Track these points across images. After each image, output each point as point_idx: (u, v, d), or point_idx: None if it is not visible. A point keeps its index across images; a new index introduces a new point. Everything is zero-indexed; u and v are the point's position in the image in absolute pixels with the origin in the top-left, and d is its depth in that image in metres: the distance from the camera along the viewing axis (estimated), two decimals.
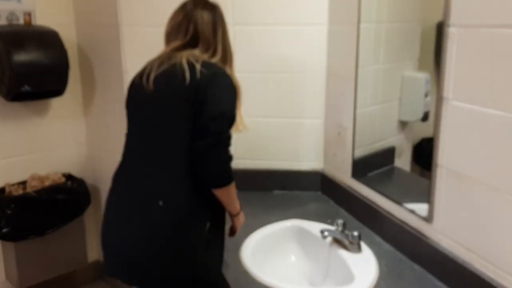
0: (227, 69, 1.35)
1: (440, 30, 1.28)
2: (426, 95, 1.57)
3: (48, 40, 2.16)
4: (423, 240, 1.39)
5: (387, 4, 1.69)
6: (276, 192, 2.04)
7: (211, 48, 1.36)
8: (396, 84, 1.70)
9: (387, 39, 1.72)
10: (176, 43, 1.37)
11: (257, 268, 1.42)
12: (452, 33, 1.23)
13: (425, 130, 1.55)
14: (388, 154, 1.77)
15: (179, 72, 1.26)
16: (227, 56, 1.39)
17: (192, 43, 1.35)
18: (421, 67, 1.61)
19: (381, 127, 1.81)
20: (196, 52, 1.33)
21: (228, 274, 1.40)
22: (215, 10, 1.41)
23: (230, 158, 1.25)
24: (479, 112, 1.16)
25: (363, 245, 1.51)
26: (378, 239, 1.60)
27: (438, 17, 1.30)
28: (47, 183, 2.28)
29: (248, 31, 1.96)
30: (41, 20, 2.28)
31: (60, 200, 2.24)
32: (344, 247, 1.50)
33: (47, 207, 2.21)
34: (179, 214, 1.25)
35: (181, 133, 1.24)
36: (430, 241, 1.36)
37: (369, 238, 1.59)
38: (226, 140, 1.24)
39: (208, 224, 1.27)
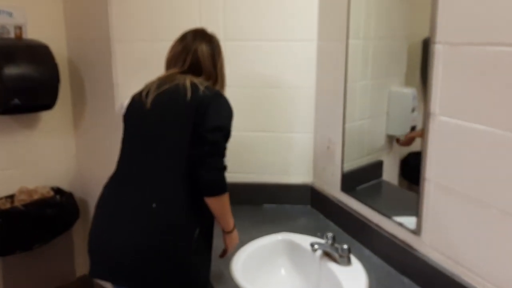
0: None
1: (426, 47, 1.31)
2: (413, 110, 1.60)
3: (39, 54, 2.17)
4: (412, 253, 1.40)
5: (374, 21, 1.72)
6: (266, 206, 2.05)
7: (212, 78, 1.48)
8: (383, 99, 1.72)
9: (374, 55, 1.75)
10: (174, 70, 1.47)
11: (248, 282, 1.42)
12: (438, 50, 1.26)
13: (412, 145, 1.58)
14: (376, 168, 1.79)
15: (182, 90, 1.35)
16: (223, 83, 1.53)
17: (190, 71, 1.45)
18: (407, 82, 1.64)
19: (369, 141, 1.83)
20: (199, 78, 1.43)
21: (219, 285, 1.39)
22: (213, 42, 1.51)
23: (224, 167, 1.31)
24: (465, 127, 1.19)
25: (352, 258, 1.51)
26: (367, 252, 1.61)
27: (424, 34, 1.33)
28: (35, 196, 2.27)
29: (238, 46, 1.99)
30: (32, 34, 2.28)
31: (48, 214, 2.22)
32: (334, 260, 1.51)
33: (35, 221, 2.18)
34: (171, 218, 1.29)
35: (180, 144, 1.31)
36: (419, 254, 1.38)
37: (358, 251, 1.60)
38: (221, 150, 1.31)
39: (197, 230, 1.31)
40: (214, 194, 1.30)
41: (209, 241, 1.41)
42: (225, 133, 1.33)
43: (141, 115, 1.41)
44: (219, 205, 1.33)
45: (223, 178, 1.31)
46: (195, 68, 1.46)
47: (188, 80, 1.38)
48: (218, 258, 1.47)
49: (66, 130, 2.49)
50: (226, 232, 1.42)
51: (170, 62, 1.52)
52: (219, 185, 1.31)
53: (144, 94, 1.42)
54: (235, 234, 1.45)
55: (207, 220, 1.38)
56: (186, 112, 1.33)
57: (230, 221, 1.41)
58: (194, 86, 1.36)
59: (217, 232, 1.42)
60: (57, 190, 2.39)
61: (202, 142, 1.29)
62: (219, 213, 1.35)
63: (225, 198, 1.33)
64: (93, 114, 2.38)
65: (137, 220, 1.29)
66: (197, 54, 1.46)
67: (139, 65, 2.08)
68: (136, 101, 1.45)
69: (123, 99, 2.09)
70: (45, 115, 2.38)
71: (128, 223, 1.30)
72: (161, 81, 1.44)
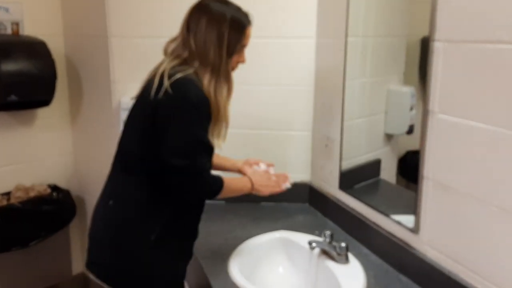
0: (205, 78, 1.25)
1: (425, 45, 1.30)
2: (411, 109, 1.60)
3: (36, 50, 2.16)
4: (410, 251, 1.40)
5: (373, 19, 1.72)
6: (264, 203, 2.04)
7: (196, 60, 1.27)
8: (382, 97, 1.72)
9: (373, 53, 1.75)
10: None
11: (245, 280, 1.42)
12: (438, 48, 1.26)
13: (410, 143, 1.57)
14: (374, 167, 1.79)
15: (150, 83, 1.24)
16: (206, 59, 1.26)
17: (178, 55, 1.31)
18: (406, 81, 1.64)
19: (368, 139, 1.83)
20: (178, 62, 1.28)
21: (216, 285, 1.39)
22: (207, 9, 1.30)
23: (207, 184, 1.26)
24: (464, 125, 1.18)
25: (350, 256, 1.51)
26: (365, 250, 1.61)
27: (422, 32, 1.33)
28: (32, 194, 2.26)
29: None
30: (29, 30, 2.27)
31: (45, 212, 2.21)
32: (332, 258, 1.50)
33: (31, 219, 2.18)
34: (124, 216, 1.29)
35: (141, 143, 1.26)
36: (417, 252, 1.38)
37: (356, 249, 1.60)
38: (196, 173, 1.22)
39: (153, 236, 1.26)
40: (208, 199, 1.35)
41: (178, 245, 1.35)
42: (193, 150, 1.20)
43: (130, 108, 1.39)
44: (222, 197, 1.32)
45: (211, 192, 1.28)
46: (183, 43, 1.30)
47: (160, 69, 1.24)
48: (214, 255, 1.47)
49: (63, 127, 2.48)
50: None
51: None
52: (209, 196, 1.31)
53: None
54: (259, 183, 1.42)
55: (174, 222, 1.31)
56: (145, 114, 1.23)
57: (243, 191, 1.40)
58: (160, 82, 1.21)
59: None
60: (54, 187, 2.38)
61: (171, 170, 1.19)
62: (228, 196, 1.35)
63: (221, 193, 1.30)
64: (91, 111, 2.37)
65: (101, 217, 1.34)
66: (188, 24, 1.29)
67: (136, 62, 2.07)
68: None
69: (121, 96, 2.09)
70: (42, 112, 2.37)
71: (97, 220, 1.36)
72: (150, 73, 1.35)
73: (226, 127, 1.33)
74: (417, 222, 1.39)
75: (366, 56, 1.76)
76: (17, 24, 2.24)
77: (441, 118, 1.26)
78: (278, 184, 1.49)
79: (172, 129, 1.20)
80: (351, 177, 1.82)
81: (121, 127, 2.01)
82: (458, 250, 1.24)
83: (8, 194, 2.27)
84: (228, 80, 1.31)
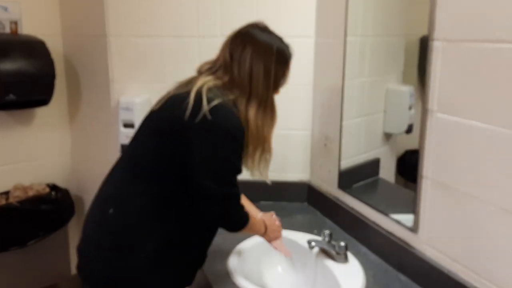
0: (241, 106, 1.23)
1: (424, 44, 1.31)
2: (410, 108, 1.60)
3: (35, 49, 2.15)
4: (409, 250, 1.40)
5: (372, 19, 1.72)
6: (263, 203, 2.04)
7: (240, 88, 1.23)
8: (381, 97, 1.72)
9: (372, 53, 1.75)
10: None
11: (245, 279, 1.42)
12: (437, 47, 1.26)
13: (409, 143, 1.58)
14: (373, 166, 1.79)
15: (183, 102, 1.17)
16: (262, 102, 1.25)
17: (216, 73, 1.27)
18: (405, 80, 1.64)
19: (367, 139, 1.83)
20: (210, 78, 1.24)
21: (216, 285, 1.39)
22: (261, 41, 1.27)
23: (237, 215, 1.27)
24: (463, 124, 1.18)
25: (349, 255, 1.51)
26: (364, 249, 1.61)
27: (421, 32, 1.33)
28: (30, 193, 2.25)
29: None
30: (28, 29, 2.26)
31: (44, 211, 2.21)
32: (331, 257, 1.51)
33: (30, 218, 2.17)
34: (125, 225, 1.22)
35: (160, 158, 1.21)
36: (416, 252, 1.38)
37: (355, 249, 1.60)
38: (232, 201, 1.23)
39: (152, 252, 1.20)
40: (232, 230, 1.32)
41: (179, 267, 1.28)
42: (226, 176, 1.20)
43: (148, 115, 1.32)
44: (243, 231, 1.33)
45: (237, 223, 1.28)
46: (224, 68, 1.25)
47: (195, 87, 1.18)
48: (213, 254, 1.46)
49: (61, 126, 2.48)
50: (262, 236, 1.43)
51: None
52: (237, 228, 1.30)
53: (163, 95, 1.32)
54: (270, 230, 1.42)
55: (180, 240, 1.25)
56: (167, 128, 1.20)
57: (258, 232, 1.40)
58: (197, 97, 1.15)
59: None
60: (53, 187, 2.38)
61: (206, 195, 1.18)
62: (246, 232, 1.37)
63: (245, 228, 1.31)
64: (89, 110, 2.37)
65: (98, 222, 1.27)
66: (231, 51, 1.24)
67: (135, 61, 2.07)
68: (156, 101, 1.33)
69: (119, 95, 2.08)
70: (40, 111, 2.37)
71: (92, 223, 1.29)
72: (181, 84, 1.30)
73: (271, 157, 1.34)
74: (416, 221, 1.39)
75: (365, 55, 1.76)
76: (15, 23, 2.24)
77: (440, 117, 1.26)
78: (279, 230, 1.50)
79: (212, 156, 1.17)
80: (350, 176, 1.82)
81: (120, 126, 2.04)
82: (457, 249, 1.24)
83: (6, 193, 2.27)
84: (274, 112, 1.31)
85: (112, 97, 2.11)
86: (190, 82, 1.26)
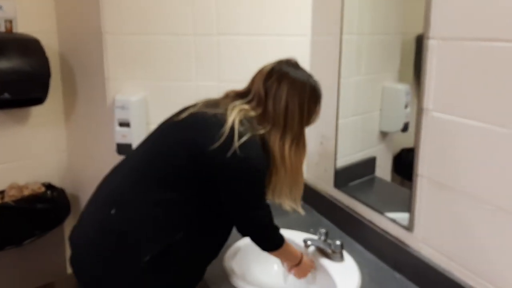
0: (275, 140, 1.26)
1: (420, 43, 1.31)
2: (406, 106, 1.60)
3: (30, 47, 2.14)
4: (404, 249, 1.40)
5: (368, 17, 1.72)
6: None
7: (269, 119, 1.26)
8: (377, 95, 1.72)
9: (368, 51, 1.75)
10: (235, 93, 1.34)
11: (240, 278, 1.42)
12: (432, 45, 1.26)
13: (405, 141, 1.58)
14: (369, 164, 1.80)
15: (212, 128, 1.18)
16: (288, 134, 1.27)
17: (247, 99, 1.30)
18: (401, 78, 1.64)
19: (363, 137, 1.83)
20: (247, 108, 1.25)
21: (212, 283, 1.39)
22: (299, 81, 1.31)
23: (272, 232, 1.32)
24: (458, 122, 1.19)
25: (345, 254, 1.52)
26: (360, 248, 1.61)
27: (417, 30, 1.33)
28: (26, 192, 2.24)
29: (232, 41, 1.98)
30: (23, 27, 2.25)
31: (39, 210, 2.20)
32: (327, 256, 1.51)
33: (25, 217, 2.17)
34: (128, 229, 1.19)
35: (180, 170, 1.20)
36: (411, 250, 1.38)
37: (351, 247, 1.60)
38: (261, 219, 1.27)
39: (149, 253, 1.17)
40: (265, 248, 1.35)
41: (175, 279, 1.24)
42: (255, 200, 1.24)
43: (168, 123, 1.31)
44: (276, 254, 1.37)
45: (274, 239, 1.33)
46: (257, 101, 1.28)
47: (231, 117, 1.18)
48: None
49: (57, 125, 2.47)
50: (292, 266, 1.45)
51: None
52: (272, 247, 1.34)
53: (189, 106, 1.31)
54: (303, 267, 1.44)
55: (181, 248, 1.22)
56: (196, 156, 1.18)
57: (292, 261, 1.42)
58: (230, 135, 1.15)
59: None
60: (48, 186, 2.37)
61: (238, 219, 1.26)
62: (278, 257, 1.40)
63: (278, 251, 1.35)
64: (85, 109, 2.36)
65: (98, 220, 1.24)
66: (266, 87, 1.27)
67: (131, 59, 2.06)
68: (176, 112, 1.33)
69: (115, 93, 2.08)
70: (35, 110, 2.36)
71: (89, 221, 1.28)
72: (209, 103, 1.29)
73: (302, 189, 1.40)
74: (411, 220, 1.39)
75: (361, 53, 1.76)
76: (10, 21, 2.23)
77: (435, 116, 1.27)
78: (308, 272, 1.50)
79: (241, 189, 1.22)
80: (346, 175, 1.83)
81: (115, 125, 2.03)
82: (452, 247, 1.24)
83: (2, 192, 2.26)
84: (305, 147, 1.35)
85: (108, 96, 2.11)
86: (219, 104, 1.27)
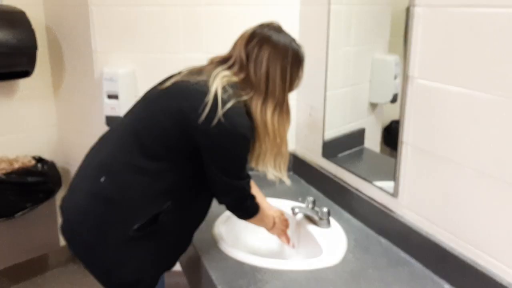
0: (257, 106, 1.24)
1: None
2: (395, 77, 1.60)
3: (15, 20, 2.11)
4: (389, 214, 1.43)
5: None
6: (250, 173, 2.06)
7: (251, 84, 1.24)
8: (366, 66, 1.72)
9: (358, 22, 1.74)
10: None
11: (229, 244, 1.44)
12: (418, 13, 1.26)
13: (394, 113, 1.59)
14: (358, 136, 1.81)
15: (199, 98, 1.16)
16: (267, 92, 1.25)
17: (228, 64, 1.27)
18: (391, 50, 1.64)
19: (352, 109, 1.84)
20: (229, 74, 1.23)
21: (202, 249, 1.42)
22: (281, 44, 1.27)
23: (249, 202, 1.32)
24: (443, 89, 1.20)
25: (332, 220, 1.55)
26: (347, 215, 1.64)
27: (408, 1, 1.33)
28: (16, 165, 2.24)
29: (219, 11, 1.96)
30: (8, 0, 2.22)
31: (30, 183, 2.21)
32: (314, 223, 1.54)
33: (16, 190, 2.17)
34: (116, 196, 1.21)
35: (167, 138, 1.20)
36: (396, 216, 1.41)
37: (338, 215, 1.63)
38: (239, 190, 1.28)
39: (137, 221, 1.19)
40: (241, 216, 1.37)
41: (159, 246, 1.26)
42: (238, 168, 1.25)
43: (153, 91, 1.29)
44: (250, 222, 1.40)
45: (250, 212, 1.35)
46: (240, 66, 1.25)
47: (213, 86, 1.17)
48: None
49: (46, 98, 2.45)
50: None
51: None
52: (249, 215, 1.36)
53: (173, 74, 1.30)
54: (277, 227, 1.47)
55: (167, 218, 1.23)
56: (177, 118, 1.18)
57: (266, 225, 1.45)
58: (214, 100, 1.15)
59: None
60: (39, 159, 2.37)
61: (213, 186, 1.26)
62: (253, 223, 1.42)
63: (252, 220, 1.37)
64: (73, 81, 2.35)
65: (89, 187, 1.25)
66: (248, 51, 1.24)
67: (119, 31, 2.04)
68: (164, 78, 1.32)
69: (103, 66, 2.06)
70: (24, 83, 2.34)
71: (84, 188, 1.27)
72: (192, 71, 1.28)
73: (287, 159, 1.38)
74: (396, 187, 1.42)
75: (350, 24, 1.75)
76: None
77: (420, 83, 1.28)
78: (285, 229, 1.53)
79: (224, 156, 1.21)
80: (335, 146, 1.84)
81: (104, 97, 2.03)
82: (435, 212, 1.27)
83: None
84: (289, 113, 1.32)
85: (96, 68, 2.09)
86: (202, 71, 1.25)
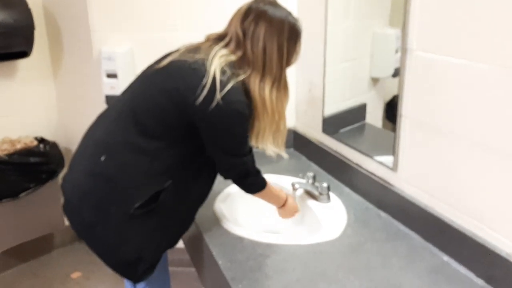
0: (255, 84, 1.23)
1: None
2: (396, 51, 1.58)
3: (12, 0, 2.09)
4: (389, 188, 1.44)
5: None
6: None
7: (249, 62, 1.22)
8: (367, 41, 1.70)
9: None
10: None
11: (230, 220, 1.46)
12: None
13: (396, 87, 1.57)
14: (359, 111, 1.80)
15: (197, 78, 1.15)
16: (265, 69, 1.23)
17: (225, 41, 1.25)
18: (392, 23, 1.62)
19: (353, 84, 1.82)
20: (226, 53, 1.22)
21: (203, 226, 1.43)
22: (276, 18, 1.24)
23: (255, 175, 1.33)
24: (441, 60, 1.18)
25: (332, 195, 1.55)
26: (347, 190, 1.65)
27: None
28: (18, 146, 2.25)
29: None
30: None
31: (33, 163, 2.22)
32: (314, 198, 1.54)
33: (19, 170, 2.19)
34: (116, 175, 1.21)
35: (165, 117, 1.20)
36: (395, 189, 1.41)
37: (338, 190, 1.64)
38: (244, 164, 1.28)
39: (137, 204, 1.19)
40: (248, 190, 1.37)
41: (161, 224, 1.26)
42: (240, 146, 1.24)
43: (150, 70, 1.28)
44: (259, 196, 1.39)
45: (258, 183, 1.35)
46: (236, 43, 1.23)
47: (212, 67, 1.15)
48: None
49: (45, 78, 2.44)
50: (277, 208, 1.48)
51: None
52: (253, 190, 1.36)
53: (171, 52, 1.29)
54: (288, 208, 1.47)
55: (168, 197, 1.24)
56: (175, 100, 1.17)
57: (276, 202, 1.45)
58: (213, 83, 1.13)
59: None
60: (41, 140, 2.38)
61: (217, 164, 1.28)
62: (263, 199, 1.42)
63: (262, 193, 1.37)
64: (72, 62, 2.34)
65: (88, 166, 1.26)
66: (244, 28, 1.22)
67: (117, 10, 2.02)
68: (157, 60, 1.31)
69: (101, 45, 2.05)
70: (22, 64, 2.33)
71: (84, 167, 1.27)
72: (189, 49, 1.26)
73: (285, 134, 1.37)
74: (395, 160, 1.41)
75: None
76: None
77: (419, 55, 1.26)
78: (294, 214, 1.53)
79: (225, 136, 1.22)
80: (336, 122, 1.83)
81: (103, 77, 2.02)
82: (434, 185, 1.27)
83: None
84: (287, 89, 1.31)
85: (94, 47, 2.08)
86: (199, 48, 1.23)
